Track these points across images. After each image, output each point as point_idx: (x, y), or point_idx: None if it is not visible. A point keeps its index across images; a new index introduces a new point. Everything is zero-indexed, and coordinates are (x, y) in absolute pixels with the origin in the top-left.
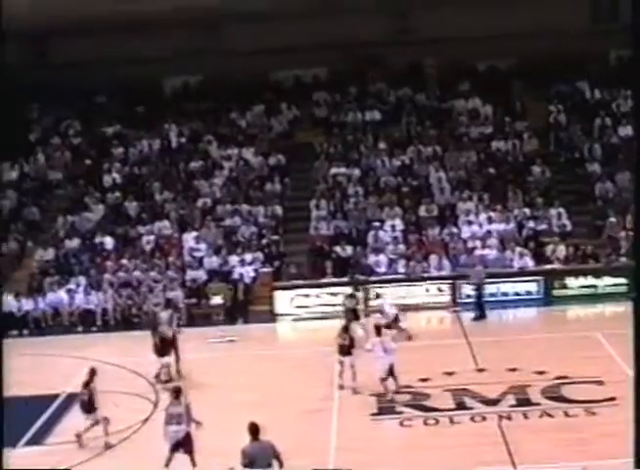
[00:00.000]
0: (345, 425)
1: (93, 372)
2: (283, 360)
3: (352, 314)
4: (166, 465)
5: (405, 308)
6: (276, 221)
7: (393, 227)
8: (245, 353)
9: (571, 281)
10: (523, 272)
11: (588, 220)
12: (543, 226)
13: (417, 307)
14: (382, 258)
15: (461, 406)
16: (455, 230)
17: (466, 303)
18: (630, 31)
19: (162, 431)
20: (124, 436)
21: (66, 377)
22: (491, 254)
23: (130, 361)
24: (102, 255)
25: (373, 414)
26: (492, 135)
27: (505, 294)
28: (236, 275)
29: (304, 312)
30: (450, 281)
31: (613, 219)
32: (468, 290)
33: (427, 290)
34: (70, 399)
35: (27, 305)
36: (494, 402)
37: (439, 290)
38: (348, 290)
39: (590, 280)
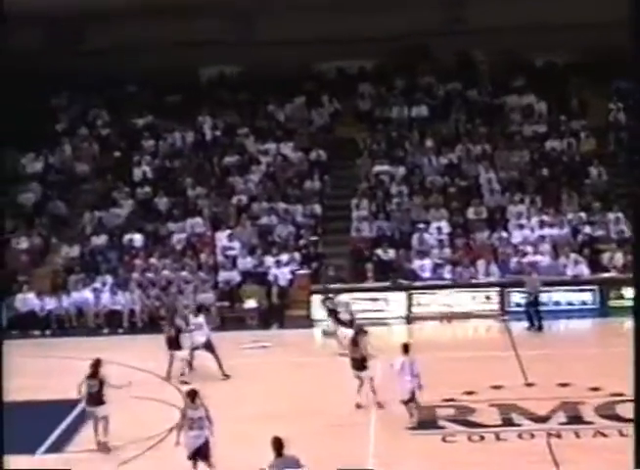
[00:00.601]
0: (383, 439)
1: (98, 363)
2: (318, 368)
3: (334, 317)
4: None
5: (451, 316)
6: (315, 221)
7: (439, 230)
8: (278, 360)
9: (628, 291)
10: (577, 281)
11: None
12: (600, 232)
13: (463, 316)
14: (426, 262)
15: (508, 423)
16: (505, 234)
17: (515, 311)
18: None
19: (182, 437)
20: (150, 444)
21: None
22: (543, 260)
23: (157, 366)
24: (130, 253)
25: (412, 428)
26: (547, 134)
27: (558, 303)
28: (271, 277)
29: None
30: (499, 288)
31: None
32: (517, 298)
33: (473, 297)
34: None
35: (50, 303)
36: (544, 419)
37: (487, 298)
38: (391, 295)
39: None
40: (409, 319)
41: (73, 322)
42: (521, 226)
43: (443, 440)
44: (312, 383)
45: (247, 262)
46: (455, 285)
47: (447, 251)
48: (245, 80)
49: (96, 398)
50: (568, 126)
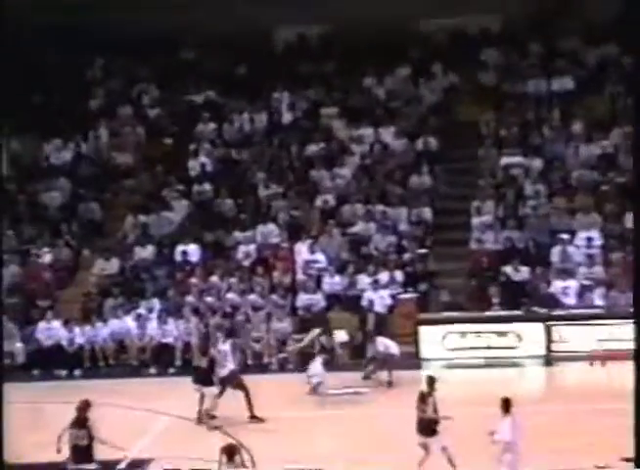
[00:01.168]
0: None
1: (87, 405)
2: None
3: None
4: None
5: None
6: (423, 229)
7: (589, 241)
8: (373, 413)
9: None
10: None
11: None
12: None
13: (621, 356)
14: (571, 283)
15: None
16: None
17: None
18: None
19: None
20: None
21: (132, 436)
22: None
23: (220, 417)
24: (184, 269)
25: None
26: None
27: None
28: (366, 302)
29: (460, 357)
30: None
31: None
32: None
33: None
34: (135, 466)
35: (82, 335)
36: None
37: None
38: (524, 328)
39: None
40: (548, 360)
41: (111, 359)
42: None
43: None
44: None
45: (334, 283)
46: (610, 314)
47: (599, 269)
48: (332, 46)
49: (85, 454)
50: None
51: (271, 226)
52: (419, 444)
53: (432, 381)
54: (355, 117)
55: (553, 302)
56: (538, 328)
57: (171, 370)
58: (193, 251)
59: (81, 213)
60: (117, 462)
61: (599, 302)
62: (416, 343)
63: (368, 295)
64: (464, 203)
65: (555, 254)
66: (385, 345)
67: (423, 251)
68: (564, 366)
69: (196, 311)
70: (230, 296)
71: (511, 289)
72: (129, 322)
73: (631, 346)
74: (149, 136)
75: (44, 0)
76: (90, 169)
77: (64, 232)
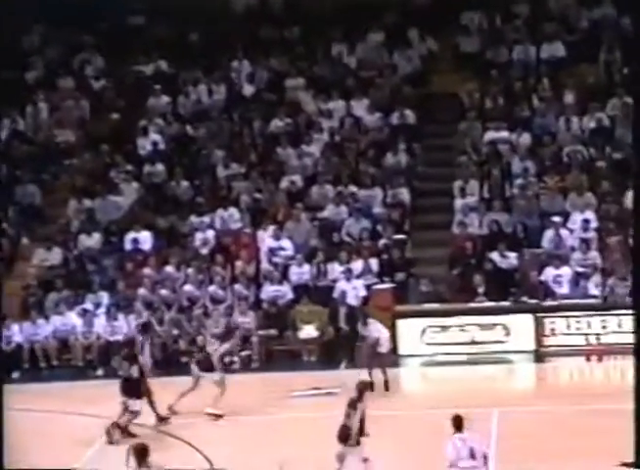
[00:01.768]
0: None
1: None
2: (404, 428)
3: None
4: None
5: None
6: (400, 212)
7: (584, 224)
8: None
9: None
10: None
11: None
12: None
13: (619, 350)
14: (564, 271)
15: None
16: None
17: None
18: None
19: None
20: None
21: (76, 446)
22: None
23: (175, 424)
24: (135, 259)
25: None
26: None
27: None
28: (337, 293)
29: (442, 353)
30: None
31: None
32: None
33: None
34: None
35: (20, 333)
36: None
37: None
38: (513, 320)
39: None
40: (539, 355)
41: (53, 360)
42: None
43: None
44: (391, 450)
45: (302, 272)
46: (606, 305)
47: (595, 255)
48: (297, 9)
49: None
50: None
51: (232, 210)
52: (336, 454)
53: (364, 387)
54: (323, 88)
55: (544, 291)
56: (528, 320)
57: (120, 372)
58: (144, 238)
59: (19, 198)
60: None
61: (595, 291)
62: (393, 338)
63: (340, 285)
64: (445, 183)
65: (546, 238)
66: (379, 330)
67: (400, 236)
68: (556, 362)
69: (149, 306)
70: (187, 288)
71: (497, 277)
72: (74, 318)
73: (630, 339)
74: (93, 111)
75: None
76: (28, 148)
77: None
